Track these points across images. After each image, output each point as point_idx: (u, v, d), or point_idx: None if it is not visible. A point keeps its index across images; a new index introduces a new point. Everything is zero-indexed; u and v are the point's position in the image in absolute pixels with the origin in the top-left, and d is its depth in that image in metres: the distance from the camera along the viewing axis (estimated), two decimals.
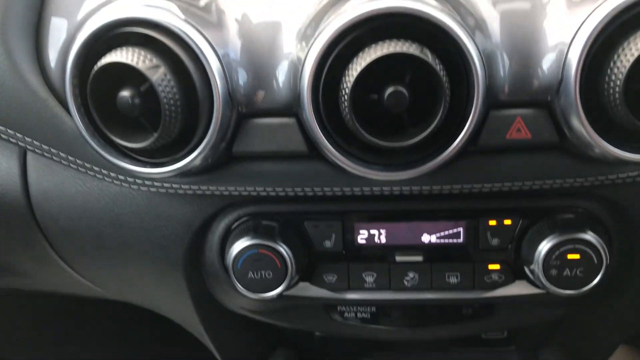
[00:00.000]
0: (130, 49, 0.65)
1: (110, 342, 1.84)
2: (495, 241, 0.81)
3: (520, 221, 0.80)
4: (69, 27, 0.74)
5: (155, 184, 0.77)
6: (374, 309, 0.97)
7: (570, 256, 0.76)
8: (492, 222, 0.80)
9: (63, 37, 0.74)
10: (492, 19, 0.67)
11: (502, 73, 0.66)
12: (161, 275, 0.92)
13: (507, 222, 0.80)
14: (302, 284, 0.86)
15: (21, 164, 0.86)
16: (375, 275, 0.85)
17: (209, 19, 0.69)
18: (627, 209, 0.78)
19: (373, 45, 0.61)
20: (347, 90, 0.62)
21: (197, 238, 0.86)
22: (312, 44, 0.64)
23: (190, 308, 0.97)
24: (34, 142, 0.78)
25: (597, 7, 0.62)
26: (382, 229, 0.83)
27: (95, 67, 0.65)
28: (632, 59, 0.59)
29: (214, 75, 0.66)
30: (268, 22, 0.70)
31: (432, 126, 0.63)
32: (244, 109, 0.69)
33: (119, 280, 1.03)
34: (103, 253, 0.92)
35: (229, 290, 0.91)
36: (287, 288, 0.82)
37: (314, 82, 0.65)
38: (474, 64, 0.63)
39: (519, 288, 0.83)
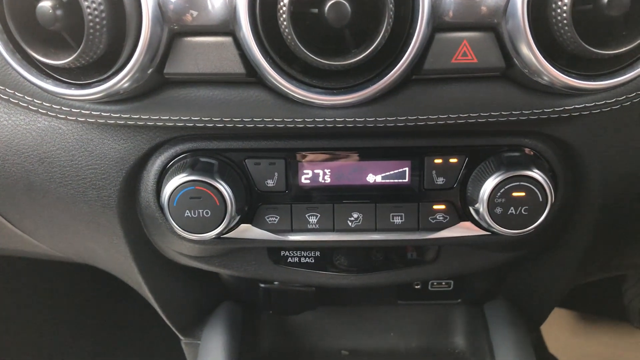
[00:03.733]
0: None
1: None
2: (440, 180, 0.79)
3: (466, 159, 0.78)
4: None
5: (84, 112, 0.72)
6: (318, 253, 0.94)
7: (515, 194, 0.75)
8: (438, 161, 0.79)
9: None
10: None
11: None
12: (95, 219, 0.87)
13: (453, 160, 0.78)
14: (243, 226, 0.82)
15: None
16: (318, 215, 0.82)
17: None
18: (573, 147, 0.77)
19: None
20: (285, 3, 0.58)
21: (131, 177, 0.81)
22: None
23: (128, 256, 0.93)
24: None
25: None
26: (327, 168, 0.80)
27: None
28: None
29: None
30: None
31: (374, 45, 0.60)
32: (176, 26, 0.65)
33: (53, 228, 0.97)
34: (33, 194, 0.87)
35: (166, 233, 0.87)
36: (227, 229, 0.79)
37: None
38: None
39: (463, 229, 0.82)
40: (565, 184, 0.80)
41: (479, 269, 0.96)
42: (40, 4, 0.60)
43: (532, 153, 0.78)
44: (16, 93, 0.72)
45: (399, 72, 0.63)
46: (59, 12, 0.60)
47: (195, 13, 0.64)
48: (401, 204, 0.81)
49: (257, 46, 0.62)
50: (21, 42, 0.63)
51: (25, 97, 0.73)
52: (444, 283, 1.10)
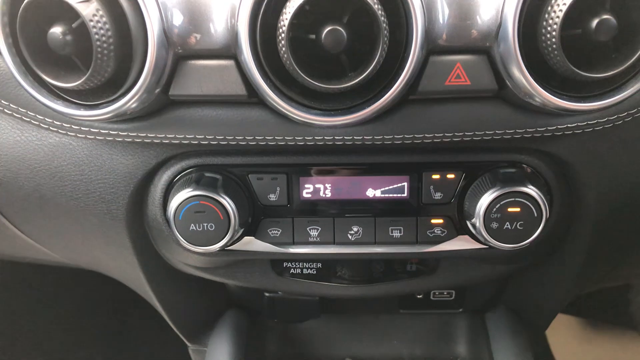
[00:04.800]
0: None
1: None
2: (438, 195, 0.81)
3: (463, 175, 0.80)
4: None
5: (93, 130, 0.75)
6: (319, 265, 0.96)
7: (510, 209, 0.77)
8: (436, 176, 0.81)
9: None
10: None
11: (441, 19, 0.65)
12: (104, 231, 0.90)
13: (450, 176, 0.80)
14: (246, 238, 0.85)
15: None
16: (319, 229, 0.84)
17: None
18: (568, 163, 0.79)
19: None
20: (283, 29, 0.61)
21: (139, 190, 0.84)
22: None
23: (135, 266, 0.96)
24: None
25: None
26: (327, 183, 0.83)
27: (24, 2, 0.62)
28: (567, 4, 0.59)
29: (148, 14, 0.64)
30: None
31: (370, 69, 0.62)
32: (180, 50, 0.68)
33: (64, 239, 1.00)
34: (44, 207, 0.90)
35: (172, 245, 0.89)
36: (231, 242, 0.81)
37: (252, 21, 0.63)
38: (414, 7, 0.62)
39: (461, 243, 0.84)
40: (560, 200, 0.82)
41: (478, 281, 0.98)
42: (51, 30, 0.63)
43: (527, 169, 0.80)
44: (28, 112, 0.76)
45: (394, 94, 0.66)
46: (68, 37, 0.63)
47: (198, 37, 0.67)
48: (400, 218, 0.83)
49: (258, 70, 0.65)
50: (33, 65, 0.66)
51: (37, 116, 0.76)
52: (445, 293, 1.12)
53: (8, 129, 0.82)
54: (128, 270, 1.00)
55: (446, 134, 0.72)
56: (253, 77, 0.66)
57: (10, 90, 0.74)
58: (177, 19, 0.66)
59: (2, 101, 0.76)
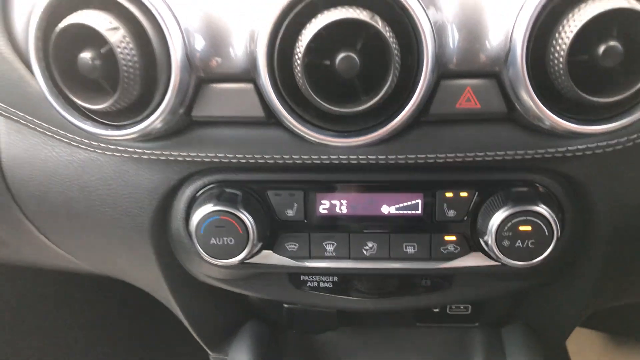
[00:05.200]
0: (90, 11, 0.66)
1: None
2: (451, 213, 0.83)
3: (476, 194, 0.82)
4: None
5: (120, 148, 0.79)
6: (336, 279, 0.99)
7: (522, 228, 0.78)
8: (449, 194, 0.82)
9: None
10: None
11: (451, 44, 0.68)
12: (129, 242, 0.94)
13: (463, 194, 0.82)
14: (264, 252, 0.88)
15: None
16: (335, 244, 0.87)
17: None
18: (579, 183, 0.80)
19: (326, 12, 0.63)
20: (299, 56, 0.64)
21: (163, 205, 0.88)
22: (268, 10, 0.66)
23: (159, 276, 0.99)
24: (1, 105, 0.79)
25: None
26: (343, 199, 0.85)
27: (57, 29, 0.66)
28: (574, 31, 0.61)
29: (172, 40, 0.67)
30: None
31: (382, 93, 0.65)
32: (203, 74, 0.71)
33: (90, 249, 1.05)
34: (73, 219, 0.94)
35: (194, 257, 0.93)
36: (249, 255, 0.84)
37: (269, 47, 0.66)
38: (424, 33, 0.64)
39: (474, 259, 0.86)
40: (572, 218, 0.83)
41: (493, 296, 0.99)
42: (81, 55, 0.67)
43: (539, 188, 0.81)
44: (59, 131, 0.80)
45: (406, 117, 0.68)
46: (97, 62, 0.67)
47: (219, 61, 0.71)
48: (414, 235, 0.85)
49: (275, 93, 0.68)
50: (64, 88, 0.70)
51: (68, 134, 0.80)
52: (462, 307, 1.13)
53: (40, 145, 0.86)
54: (152, 281, 1.03)
55: (458, 155, 0.74)
56: (270, 101, 0.69)
57: (42, 110, 0.78)
58: (199, 44, 0.70)
59: (35, 120, 0.80)
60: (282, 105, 0.68)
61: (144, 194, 0.86)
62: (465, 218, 0.83)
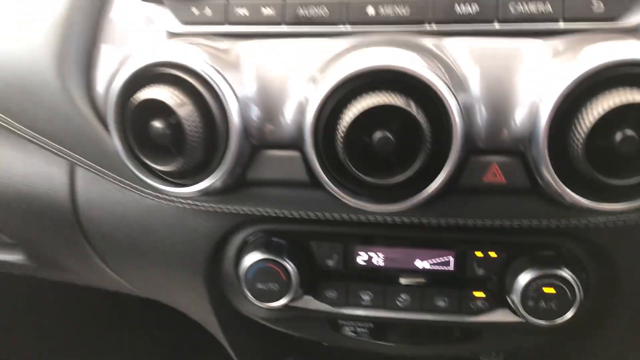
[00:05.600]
0: (164, 87, 0.76)
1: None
2: (481, 271, 0.89)
3: (504, 254, 0.88)
4: (116, 57, 0.86)
5: (182, 200, 0.89)
6: (372, 325, 1.05)
7: (546, 289, 0.83)
8: (479, 254, 0.89)
9: (110, 65, 0.87)
10: (473, 75, 0.76)
11: (480, 123, 0.75)
12: (184, 279, 1.04)
13: (492, 254, 0.88)
14: (306, 297, 0.96)
15: (70, 174, 1.00)
16: (371, 294, 0.94)
17: (229, 62, 0.80)
18: (603, 247, 0.84)
19: (366, 95, 0.71)
20: (342, 133, 0.72)
21: (216, 249, 0.97)
22: (315, 91, 0.74)
23: (210, 311, 1.09)
24: (82, 159, 0.90)
25: (568, 69, 0.70)
26: (380, 252, 0.92)
27: (134, 101, 0.77)
28: (593, 121, 0.67)
29: (231, 112, 0.77)
30: (281, 66, 0.80)
31: (414, 168, 0.72)
32: (257, 142, 0.80)
33: (149, 282, 1.15)
34: (135, 256, 1.05)
35: (242, 297, 1.02)
36: (292, 300, 0.93)
37: (316, 123, 0.75)
38: (454, 116, 0.71)
39: (501, 315, 0.91)
40: (597, 281, 0.88)
41: (521, 348, 1.03)
42: (153, 124, 0.76)
43: (563, 251, 0.86)
44: (130, 184, 0.91)
45: (436, 188, 0.75)
46: (166, 130, 0.76)
47: (272, 130, 0.80)
48: (444, 289, 0.92)
49: (319, 164, 0.76)
50: (137, 151, 0.80)
51: (137, 187, 0.90)
52: (492, 354, 1.18)
53: (112, 191, 0.97)
54: (202, 313, 1.13)
55: (486, 221, 0.81)
56: (315, 169, 0.77)
57: (116, 165, 0.89)
58: (255, 115, 0.79)
59: (109, 173, 0.91)
60: (325, 174, 0.76)
61: (200, 238, 0.96)
62: (494, 276, 0.89)
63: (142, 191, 0.91)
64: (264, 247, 0.92)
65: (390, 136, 0.70)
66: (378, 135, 0.71)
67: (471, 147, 0.75)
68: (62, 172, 1.01)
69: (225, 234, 0.95)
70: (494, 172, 0.75)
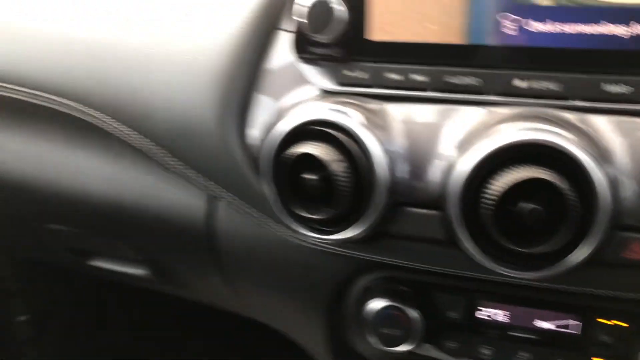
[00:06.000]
0: (318, 143, 0.83)
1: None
2: (604, 337, 0.90)
3: (628, 324, 0.88)
4: (270, 110, 0.94)
5: (320, 243, 0.96)
6: None
7: None
8: (602, 320, 0.89)
9: (265, 117, 0.95)
10: (619, 148, 0.78)
11: (628, 198, 0.76)
12: (306, 316, 1.10)
13: (616, 322, 0.89)
14: (426, 346, 1.00)
15: (209, 204, 1.09)
16: (492, 349, 0.96)
17: (379, 123, 0.86)
18: None
19: (516, 167, 0.74)
20: (490, 202, 0.75)
21: (340, 289, 1.03)
22: (465, 158, 0.79)
23: (324, 345, 1.14)
24: (230, 195, 0.99)
25: None
26: (501, 309, 0.95)
27: (290, 155, 0.84)
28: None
29: (379, 171, 0.82)
30: (427, 129, 0.85)
31: (557, 242, 0.75)
32: (400, 198, 0.85)
33: (267, 308, 1.23)
34: (262, 285, 1.13)
35: (360, 338, 1.07)
36: (412, 347, 0.97)
37: (464, 190, 0.78)
38: (601, 192, 0.74)
39: None
40: None
41: None
42: (307, 177, 0.83)
43: None
44: (274, 224, 0.98)
45: (574, 262, 0.77)
46: (317, 183, 0.83)
47: (416, 188, 0.85)
48: (564, 351, 0.93)
49: (461, 227, 0.80)
50: (288, 200, 0.87)
51: (280, 228, 0.98)
52: None
53: (251, 225, 1.04)
54: (313, 344, 1.19)
55: (619, 294, 0.82)
56: (459, 232, 0.80)
57: (260, 204, 0.97)
58: (400, 174, 0.85)
59: (254, 214, 0.99)
60: (466, 237, 0.80)
61: (327, 277, 1.02)
62: (620, 345, 0.89)
63: (284, 232, 0.98)
64: (390, 293, 0.97)
65: (541, 209, 0.73)
66: (529, 206, 0.74)
67: (615, 222, 0.77)
68: (201, 202, 1.10)
69: (350, 276, 1.01)
70: (636, 248, 0.77)
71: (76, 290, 2.12)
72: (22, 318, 2.00)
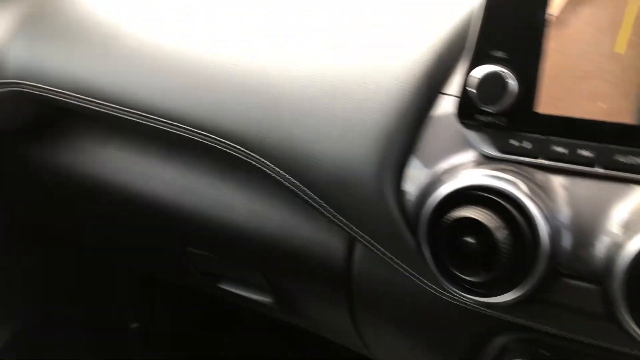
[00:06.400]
0: (480, 208, 0.86)
1: None
2: None
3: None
4: (428, 171, 0.98)
5: (462, 299, 0.99)
6: None
7: None
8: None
9: (422, 177, 0.98)
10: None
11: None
12: None
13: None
14: None
15: (349, 245, 1.15)
16: None
17: (543, 192, 0.88)
18: None
19: None
20: None
21: (475, 347, 1.05)
22: (636, 239, 0.79)
23: None
24: (386, 252, 1.04)
25: None
26: None
27: (451, 218, 0.87)
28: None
29: (543, 241, 0.84)
30: (594, 202, 0.86)
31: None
32: (560, 268, 0.86)
33: (392, 353, 1.26)
34: (390, 331, 1.16)
35: None
36: None
37: (629, 269, 0.80)
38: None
39: None
40: None
41: None
42: (467, 240, 0.86)
43: None
44: (422, 279, 1.02)
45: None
46: (478, 247, 0.86)
47: (578, 260, 0.86)
48: None
49: (624, 305, 0.81)
50: (446, 261, 0.91)
51: (430, 284, 1.02)
52: None
53: (386, 270, 1.08)
54: None
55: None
56: (619, 313, 0.81)
57: (409, 260, 1.01)
58: (563, 244, 0.86)
59: (404, 267, 1.03)
60: (628, 316, 0.81)
61: (465, 332, 1.05)
62: None
63: (431, 288, 1.02)
64: (529, 356, 0.98)
65: None
66: None
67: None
68: (340, 242, 1.16)
69: (490, 334, 1.03)
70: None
71: (180, 304, 2.24)
72: (135, 325, 2.13)
